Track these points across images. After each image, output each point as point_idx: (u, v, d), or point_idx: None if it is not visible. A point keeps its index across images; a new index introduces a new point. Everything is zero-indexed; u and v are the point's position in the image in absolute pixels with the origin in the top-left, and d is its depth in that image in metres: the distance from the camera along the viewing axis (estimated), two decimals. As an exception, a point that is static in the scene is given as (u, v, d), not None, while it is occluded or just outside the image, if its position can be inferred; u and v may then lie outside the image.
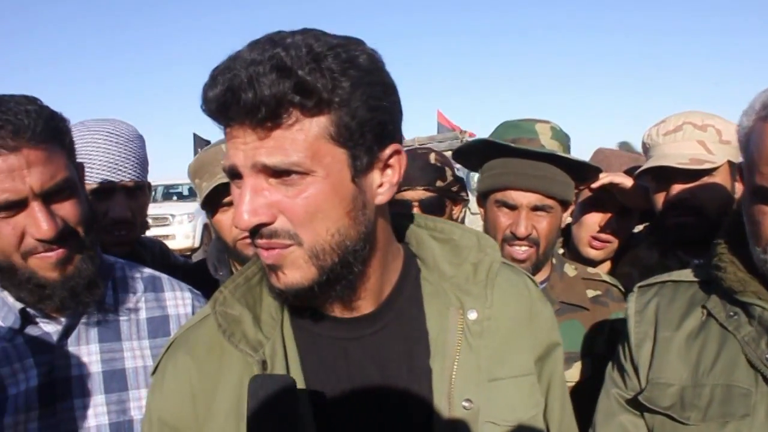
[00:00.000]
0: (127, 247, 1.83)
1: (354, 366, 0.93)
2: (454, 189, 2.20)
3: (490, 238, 1.04)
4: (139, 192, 1.89)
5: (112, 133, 1.83)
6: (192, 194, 13.43)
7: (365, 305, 0.95)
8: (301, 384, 0.91)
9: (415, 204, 2.12)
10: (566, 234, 2.28)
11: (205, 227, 12.03)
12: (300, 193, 0.82)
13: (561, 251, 2.25)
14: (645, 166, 1.79)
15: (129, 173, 1.83)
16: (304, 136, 0.80)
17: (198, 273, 1.99)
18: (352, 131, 0.83)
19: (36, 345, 1.21)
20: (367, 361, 0.94)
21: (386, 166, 0.90)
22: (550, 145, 1.75)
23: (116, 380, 1.27)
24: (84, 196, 1.22)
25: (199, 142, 9.84)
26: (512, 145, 1.68)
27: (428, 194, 2.13)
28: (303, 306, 0.94)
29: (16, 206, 1.10)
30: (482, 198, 1.80)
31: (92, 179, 1.76)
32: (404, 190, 2.15)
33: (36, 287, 1.16)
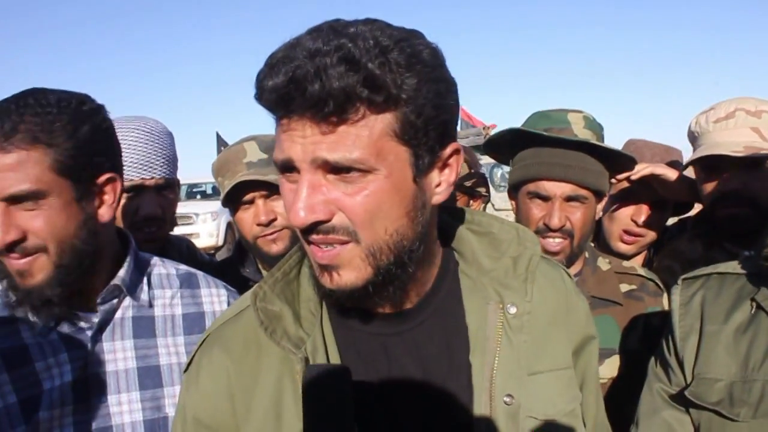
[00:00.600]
0: (157, 244, 1.83)
1: (394, 362, 0.92)
2: (468, 183, 2.17)
3: (529, 231, 1.02)
4: (169, 189, 1.89)
5: (142, 131, 1.83)
6: (215, 193, 13.56)
7: (406, 301, 0.93)
8: None
9: None
10: (596, 227, 2.24)
11: (229, 226, 12.13)
12: (360, 191, 0.79)
13: (591, 244, 2.21)
14: (697, 155, 1.73)
15: (159, 170, 1.83)
16: (368, 133, 0.77)
17: (225, 271, 2.00)
18: (417, 129, 0.80)
19: (70, 340, 1.21)
20: (407, 357, 0.92)
21: (445, 165, 0.87)
22: (583, 135, 1.70)
23: (151, 377, 1.26)
24: (75, 210, 1.15)
25: (222, 141, 9.92)
26: (545, 133, 1.65)
27: None
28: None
29: None
30: (513, 190, 1.76)
31: (124, 177, 1.76)
32: None
33: (12, 288, 1.15)
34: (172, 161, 1.89)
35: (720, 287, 1.24)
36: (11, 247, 1.10)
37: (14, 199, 1.09)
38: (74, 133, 1.12)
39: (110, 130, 1.25)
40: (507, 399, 0.90)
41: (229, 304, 1.40)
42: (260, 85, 0.78)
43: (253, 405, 0.91)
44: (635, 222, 2.00)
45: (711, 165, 1.71)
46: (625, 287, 1.75)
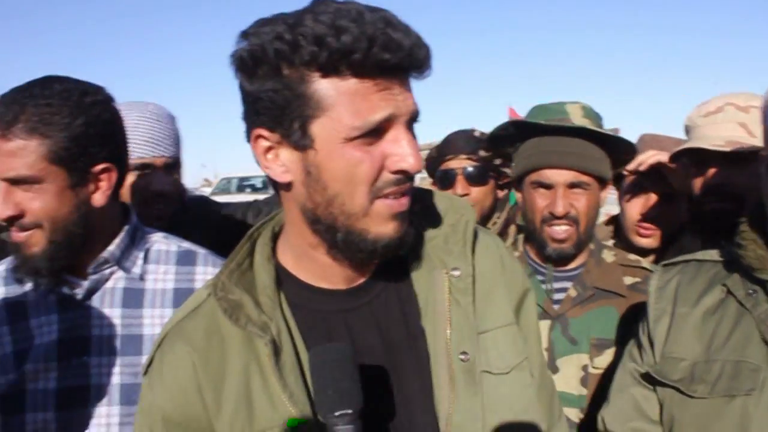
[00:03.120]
0: (164, 222, 1.85)
1: (357, 335, 0.96)
2: (497, 162, 2.18)
3: (462, 199, 1.09)
4: (174, 169, 1.95)
5: (144, 112, 1.90)
6: (265, 187, 13.73)
7: (359, 275, 0.99)
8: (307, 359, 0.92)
9: (459, 172, 2.15)
10: (616, 224, 2.23)
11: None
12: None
13: (612, 242, 2.20)
14: (679, 148, 1.73)
15: (166, 150, 1.90)
16: None
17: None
18: None
19: (63, 303, 1.32)
20: (368, 330, 0.97)
21: None
22: (582, 124, 1.72)
23: (133, 344, 1.33)
24: (68, 196, 1.25)
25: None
26: (542, 122, 1.68)
27: (471, 163, 2.15)
28: (297, 283, 0.99)
29: None
30: (518, 183, 1.80)
31: (133, 155, 1.80)
32: (448, 159, 2.16)
33: (15, 254, 1.29)
34: (176, 141, 1.96)
35: (696, 273, 1.26)
36: (12, 221, 1.24)
37: (13, 181, 1.22)
38: (70, 125, 1.22)
39: (111, 121, 1.31)
40: (462, 356, 0.96)
41: None
42: (379, 44, 0.82)
43: (224, 396, 0.93)
44: (645, 215, 1.99)
45: (699, 160, 1.70)
46: (629, 280, 1.75)
